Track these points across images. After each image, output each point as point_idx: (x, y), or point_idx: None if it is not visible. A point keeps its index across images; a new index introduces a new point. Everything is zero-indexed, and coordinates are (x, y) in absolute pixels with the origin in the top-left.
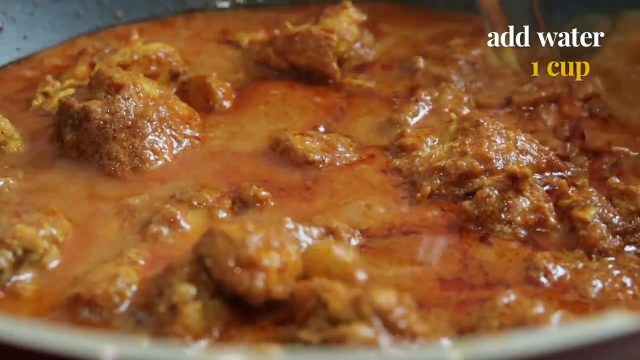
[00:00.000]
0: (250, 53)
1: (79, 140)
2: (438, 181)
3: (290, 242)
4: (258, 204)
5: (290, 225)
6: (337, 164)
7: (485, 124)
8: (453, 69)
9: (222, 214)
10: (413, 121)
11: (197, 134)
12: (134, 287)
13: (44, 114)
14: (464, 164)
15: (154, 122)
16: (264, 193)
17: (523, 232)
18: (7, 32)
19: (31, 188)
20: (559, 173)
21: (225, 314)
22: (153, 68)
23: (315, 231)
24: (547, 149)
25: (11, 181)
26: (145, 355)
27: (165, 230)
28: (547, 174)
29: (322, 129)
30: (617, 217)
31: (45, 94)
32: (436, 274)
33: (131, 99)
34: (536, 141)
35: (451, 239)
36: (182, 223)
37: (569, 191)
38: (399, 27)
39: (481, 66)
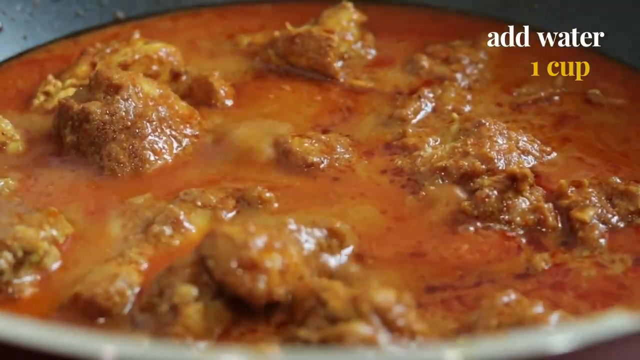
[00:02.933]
0: (251, 53)
1: (79, 142)
2: (440, 181)
3: (293, 243)
4: (261, 205)
5: (292, 226)
6: (337, 164)
7: (487, 124)
8: (457, 68)
9: (226, 215)
10: (415, 117)
11: (198, 133)
12: (135, 287)
13: (44, 114)
14: (466, 164)
15: (154, 123)
16: (268, 194)
17: (522, 232)
18: (7, 32)
19: (31, 189)
20: None
21: (227, 316)
22: (154, 68)
23: (317, 233)
24: (548, 149)
25: (11, 182)
26: (145, 355)
27: (168, 230)
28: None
29: (327, 129)
30: (616, 217)
31: (46, 93)
32: (426, 284)
33: (130, 99)
34: (538, 141)
35: (460, 259)
36: (186, 223)
37: (569, 191)
38: (399, 27)
39: (484, 66)
